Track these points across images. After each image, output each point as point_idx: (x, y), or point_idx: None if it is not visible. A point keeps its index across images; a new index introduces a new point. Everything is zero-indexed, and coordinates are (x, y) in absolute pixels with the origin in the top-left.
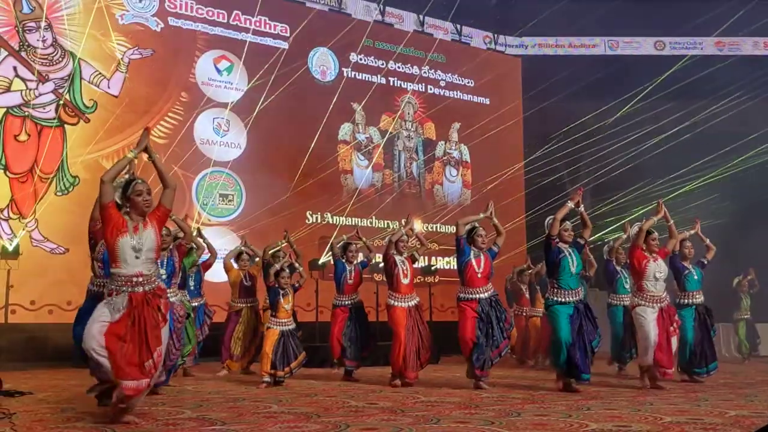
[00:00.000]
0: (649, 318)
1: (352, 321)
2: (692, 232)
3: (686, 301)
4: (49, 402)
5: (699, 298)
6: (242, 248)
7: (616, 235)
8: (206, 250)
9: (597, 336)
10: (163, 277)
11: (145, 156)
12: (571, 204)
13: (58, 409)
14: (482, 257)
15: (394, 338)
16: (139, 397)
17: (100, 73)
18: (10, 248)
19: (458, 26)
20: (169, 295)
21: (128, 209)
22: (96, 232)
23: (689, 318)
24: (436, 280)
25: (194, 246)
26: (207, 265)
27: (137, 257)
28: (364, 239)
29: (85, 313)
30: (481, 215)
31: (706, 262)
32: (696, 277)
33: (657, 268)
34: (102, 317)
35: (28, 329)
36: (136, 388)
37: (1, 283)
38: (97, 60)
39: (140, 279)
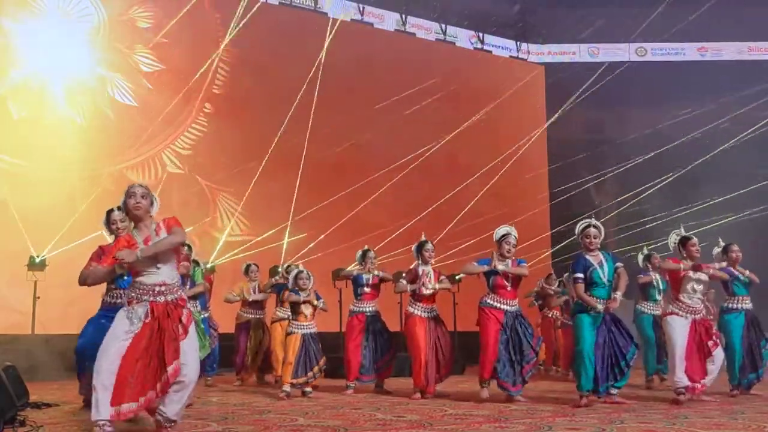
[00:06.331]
0: (678, 329)
1: (368, 332)
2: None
3: (735, 305)
4: (75, 414)
5: (748, 304)
6: (276, 279)
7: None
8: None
9: (632, 347)
10: None
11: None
12: (600, 307)
13: (85, 422)
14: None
15: (413, 354)
16: (127, 418)
17: (124, 85)
18: (38, 260)
19: (480, 34)
20: None
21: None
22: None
23: (738, 324)
24: (460, 290)
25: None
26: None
27: (158, 267)
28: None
29: (91, 324)
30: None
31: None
32: (744, 282)
33: (695, 279)
34: (122, 334)
35: (54, 340)
36: (117, 413)
37: (29, 295)
38: (121, 72)
39: (162, 288)
